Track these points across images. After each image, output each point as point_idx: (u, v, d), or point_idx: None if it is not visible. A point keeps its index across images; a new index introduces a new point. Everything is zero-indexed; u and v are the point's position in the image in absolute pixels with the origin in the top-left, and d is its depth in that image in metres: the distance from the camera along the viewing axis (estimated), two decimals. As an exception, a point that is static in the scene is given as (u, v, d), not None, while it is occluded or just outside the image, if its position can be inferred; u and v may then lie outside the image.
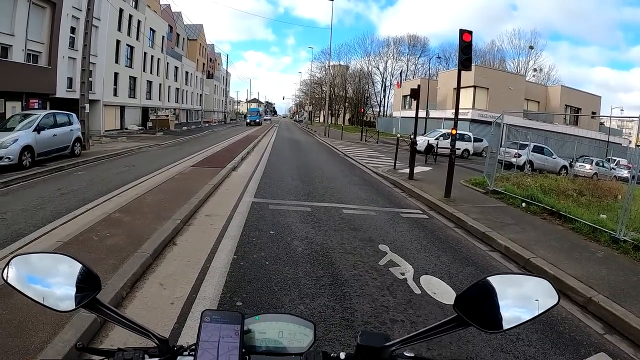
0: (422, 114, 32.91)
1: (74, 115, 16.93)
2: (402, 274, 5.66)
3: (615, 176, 20.43)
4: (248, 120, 67.74)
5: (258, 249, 6.29)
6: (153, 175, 11.69)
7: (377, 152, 25.20)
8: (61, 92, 24.92)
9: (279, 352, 0.96)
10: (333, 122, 78.68)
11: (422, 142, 23.84)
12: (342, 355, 0.98)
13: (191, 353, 0.93)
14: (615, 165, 24.80)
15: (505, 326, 0.90)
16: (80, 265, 0.99)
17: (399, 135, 20.81)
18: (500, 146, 13.77)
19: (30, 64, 22.74)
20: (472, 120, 39.02)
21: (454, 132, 11.53)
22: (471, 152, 29.22)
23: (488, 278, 0.92)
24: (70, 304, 0.94)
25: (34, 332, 3.49)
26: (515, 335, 4.14)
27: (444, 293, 5.06)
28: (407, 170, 14.36)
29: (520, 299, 0.92)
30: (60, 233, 6.32)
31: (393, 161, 17.34)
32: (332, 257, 6.16)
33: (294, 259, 5.94)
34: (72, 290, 0.95)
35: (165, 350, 0.94)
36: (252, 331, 0.98)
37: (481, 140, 30.54)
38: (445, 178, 11.11)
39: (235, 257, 5.88)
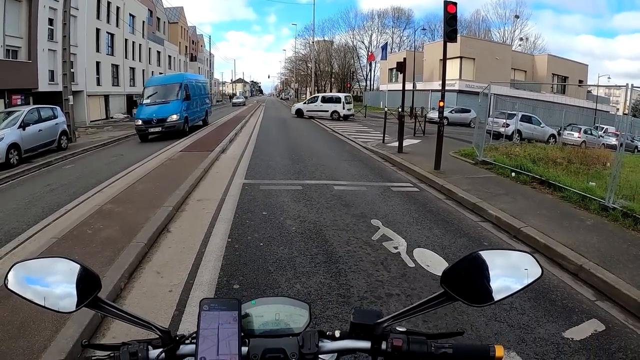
0: (409, 86, 32.80)
1: (58, 108, 16.81)
2: (396, 247, 5.70)
3: (603, 144, 20.54)
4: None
5: (252, 230, 6.29)
6: (142, 163, 11.60)
7: (365, 127, 25.06)
8: (43, 85, 24.56)
9: (277, 334, 0.98)
10: (320, 98, 77.93)
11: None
12: (337, 333, 1.01)
13: (193, 341, 0.95)
14: (604, 133, 24.86)
15: (488, 301, 0.94)
16: (79, 266, 1.01)
17: (386, 109, 20.69)
18: (489, 116, 13.73)
19: (10, 59, 22.38)
20: (460, 91, 38.87)
21: (441, 104, 11.51)
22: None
23: (472, 253, 0.95)
24: (72, 305, 0.98)
25: (36, 332, 3.47)
26: (509, 304, 4.19)
27: (438, 265, 5.12)
28: (396, 144, 14.33)
29: (506, 273, 0.96)
30: (53, 229, 6.27)
31: (382, 135, 17.33)
32: (325, 234, 6.18)
33: (287, 239, 5.96)
34: (73, 291, 0.98)
35: (168, 341, 0.96)
36: (249, 315, 1.01)
37: (469, 111, 30.50)
38: (435, 150, 11.11)
39: (229, 240, 5.88)
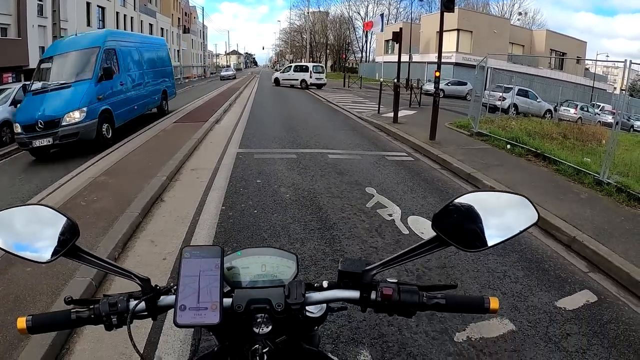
0: (405, 58, 32.48)
1: None
2: (390, 215, 5.69)
3: (599, 121, 20.49)
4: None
5: (246, 198, 6.26)
6: (135, 136, 11.44)
7: (360, 98, 24.80)
8: (34, 62, 23.34)
9: (263, 286, 0.95)
10: (315, 69, 77.07)
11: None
12: (325, 283, 0.98)
13: (174, 291, 0.91)
14: (600, 110, 24.81)
15: (482, 246, 0.90)
16: (57, 214, 0.96)
17: (382, 80, 20.49)
18: (485, 89, 13.64)
19: (0, 37, 21.77)
20: (456, 64, 38.61)
21: (437, 74, 11.45)
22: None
23: (465, 195, 0.91)
24: (50, 254, 0.94)
25: (32, 304, 3.41)
26: (502, 272, 4.21)
27: (432, 232, 5.02)
28: (392, 115, 14.21)
29: (500, 217, 0.91)
30: (47, 203, 6.14)
31: (377, 106, 17.19)
32: (319, 201, 6.16)
33: (282, 206, 5.94)
34: (51, 240, 0.94)
35: (148, 290, 0.93)
36: (235, 267, 0.99)
37: (465, 84, 30.31)
38: (430, 121, 11.05)
39: (223, 208, 5.84)
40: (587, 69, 45.18)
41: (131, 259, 4.46)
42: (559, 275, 4.33)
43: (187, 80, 51.75)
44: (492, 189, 1.04)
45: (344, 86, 36.39)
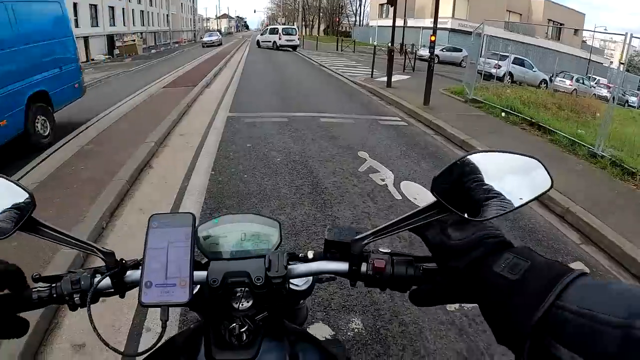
0: (399, 22, 31.88)
1: None
2: (382, 180, 5.62)
3: (594, 94, 20.54)
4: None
5: (236, 163, 6.18)
6: (123, 103, 11.24)
7: (353, 62, 24.52)
8: None
9: (242, 257, 0.84)
10: (307, 33, 75.67)
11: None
12: (310, 254, 0.87)
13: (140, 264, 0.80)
14: (595, 83, 24.79)
15: (492, 213, 0.72)
16: (10, 184, 0.83)
17: (375, 44, 20.15)
18: (480, 56, 13.44)
19: None
20: (452, 30, 38.05)
21: (433, 38, 11.22)
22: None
23: (470, 156, 0.75)
24: (4, 229, 0.79)
25: None
26: None
27: (425, 198, 5.03)
28: (385, 79, 14.02)
29: (510, 181, 0.75)
30: (34, 174, 6.02)
31: (370, 70, 16.96)
32: (311, 165, 6.08)
33: (272, 170, 5.87)
34: (5, 214, 0.80)
35: (113, 265, 0.82)
36: (211, 236, 0.88)
37: (460, 51, 29.95)
38: (423, 86, 10.90)
39: (212, 173, 5.76)
40: (584, 42, 44.83)
41: (119, 228, 4.37)
42: (552, 246, 4.33)
43: (177, 45, 50.83)
44: (502, 150, 0.82)
45: (337, 50, 36.02)
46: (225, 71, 19.03)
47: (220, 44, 45.60)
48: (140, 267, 0.81)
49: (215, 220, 0.91)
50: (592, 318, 0.44)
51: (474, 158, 0.75)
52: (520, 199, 0.74)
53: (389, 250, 0.83)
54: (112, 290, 0.83)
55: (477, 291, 0.61)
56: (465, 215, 0.73)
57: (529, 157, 0.76)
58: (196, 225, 0.81)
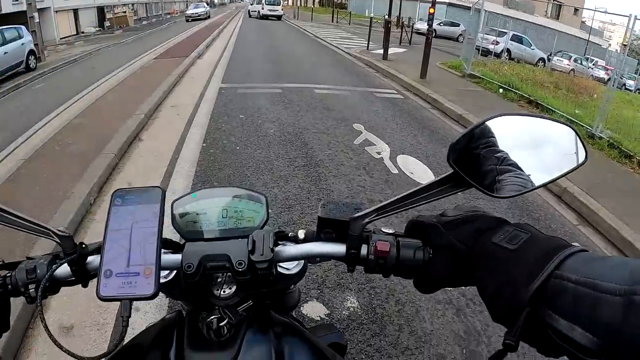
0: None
1: (23, 28, 15.33)
2: (378, 153, 5.53)
3: (592, 75, 20.53)
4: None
5: (228, 134, 6.03)
6: (114, 74, 11.02)
7: (349, 34, 24.14)
8: (7, 7, 21.75)
9: (224, 236, 0.74)
10: (302, 4, 74.64)
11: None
12: (302, 234, 0.78)
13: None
14: (593, 64, 24.75)
15: (515, 190, 0.64)
16: None
17: (372, 16, 19.83)
18: (479, 32, 13.28)
19: None
20: (450, 4, 37.47)
21: (431, 10, 11.03)
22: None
23: (493, 120, 0.65)
24: None
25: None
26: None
27: (422, 173, 5.01)
28: (381, 52, 13.81)
29: (540, 151, 0.68)
30: (22, 151, 5.87)
31: (366, 42, 16.74)
32: (305, 137, 5.96)
33: (265, 142, 5.74)
34: None
35: (70, 250, 0.70)
36: (189, 213, 0.76)
37: (458, 25, 29.67)
38: (420, 60, 10.72)
39: (204, 145, 5.61)
40: (583, 22, 44.51)
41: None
42: (549, 226, 4.28)
43: (169, 16, 49.56)
44: (530, 114, 0.66)
45: (333, 21, 35.56)
46: (218, 42, 18.67)
47: (208, 17, 38.06)
48: (97, 251, 0.71)
49: (193, 195, 0.78)
50: (593, 287, 0.43)
51: (497, 122, 0.65)
52: (549, 174, 0.66)
53: (393, 231, 0.72)
54: (73, 279, 0.72)
55: (476, 266, 0.58)
56: (488, 192, 0.64)
57: (563, 124, 0.66)
58: (169, 201, 0.71)
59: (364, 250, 0.70)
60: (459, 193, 0.65)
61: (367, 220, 0.69)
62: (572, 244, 0.52)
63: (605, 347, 0.41)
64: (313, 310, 2.76)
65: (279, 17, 36.52)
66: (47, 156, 5.38)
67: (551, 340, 0.47)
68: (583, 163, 0.64)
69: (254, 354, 0.70)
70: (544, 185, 0.66)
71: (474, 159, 0.65)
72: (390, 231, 0.73)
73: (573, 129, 0.65)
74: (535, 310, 0.48)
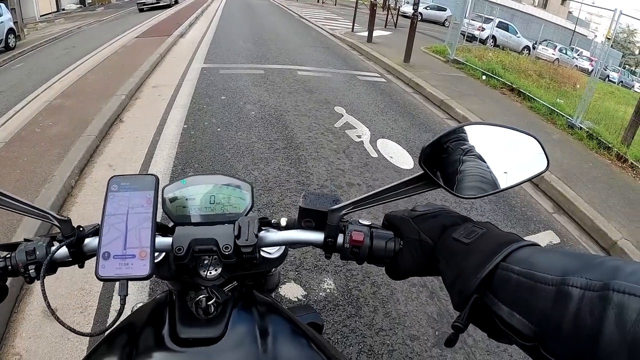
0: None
1: (2, 5, 14.64)
2: (359, 136, 5.53)
3: (576, 65, 20.72)
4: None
5: (209, 116, 5.96)
6: (94, 54, 10.72)
7: (334, 15, 23.86)
8: None
9: (211, 221, 0.79)
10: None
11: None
12: (284, 221, 0.84)
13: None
14: (578, 55, 24.98)
15: (480, 192, 0.70)
16: None
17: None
18: (465, 17, 13.25)
19: None
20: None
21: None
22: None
23: (464, 128, 0.72)
24: None
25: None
26: (469, 204, 4.15)
27: (401, 157, 5.02)
28: (366, 34, 13.68)
29: (503, 159, 0.74)
30: (1, 134, 5.70)
31: (351, 24, 16.54)
32: (286, 119, 5.92)
33: (247, 124, 5.69)
34: None
35: (69, 233, 0.75)
36: (178, 198, 0.82)
37: (444, 10, 29.59)
38: (405, 43, 10.65)
39: (185, 126, 5.54)
40: (570, 13, 44.70)
41: (88, 186, 4.18)
42: (525, 213, 4.36)
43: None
44: (499, 124, 0.70)
45: (318, 2, 35.02)
46: (202, 21, 18.25)
47: (174, 3, 25.51)
48: (95, 234, 0.78)
49: (183, 181, 0.85)
50: (532, 277, 0.47)
51: (468, 130, 0.72)
52: (513, 179, 0.71)
53: (370, 223, 0.79)
54: (70, 260, 0.77)
55: (439, 258, 0.63)
56: (454, 192, 0.69)
57: (527, 134, 0.71)
58: (160, 187, 0.76)
59: (340, 239, 0.76)
60: (433, 191, 0.71)
61: (344, 212, 0.76)
62: (524, 239, 0.55)
63: (539, 333, 0.44)
64: (291, 291, 2.78)
65: None
66: (27, 139, 5.28)
67: (497, 326, 0.51)
68: (545, 170, 0.70)
69: (240, 330, 0.75)
70: (507, 189, 0.71)
71: (443, 162, 0.70)
72: (367, 223, 0.78)
73: (537, 139, 0.70)
74: (482, 298, 0.52)
